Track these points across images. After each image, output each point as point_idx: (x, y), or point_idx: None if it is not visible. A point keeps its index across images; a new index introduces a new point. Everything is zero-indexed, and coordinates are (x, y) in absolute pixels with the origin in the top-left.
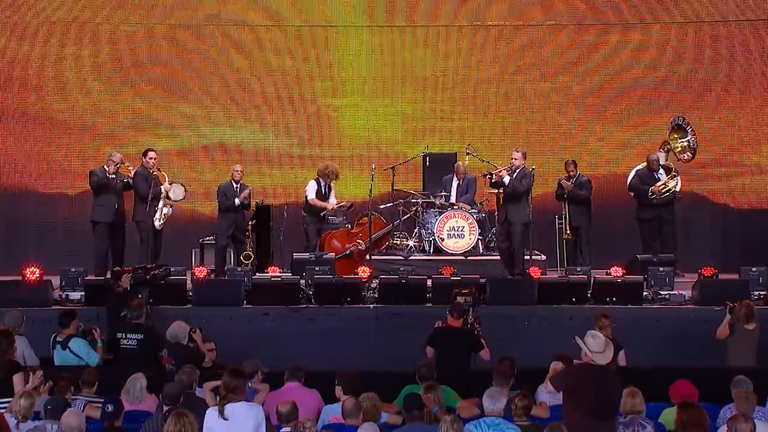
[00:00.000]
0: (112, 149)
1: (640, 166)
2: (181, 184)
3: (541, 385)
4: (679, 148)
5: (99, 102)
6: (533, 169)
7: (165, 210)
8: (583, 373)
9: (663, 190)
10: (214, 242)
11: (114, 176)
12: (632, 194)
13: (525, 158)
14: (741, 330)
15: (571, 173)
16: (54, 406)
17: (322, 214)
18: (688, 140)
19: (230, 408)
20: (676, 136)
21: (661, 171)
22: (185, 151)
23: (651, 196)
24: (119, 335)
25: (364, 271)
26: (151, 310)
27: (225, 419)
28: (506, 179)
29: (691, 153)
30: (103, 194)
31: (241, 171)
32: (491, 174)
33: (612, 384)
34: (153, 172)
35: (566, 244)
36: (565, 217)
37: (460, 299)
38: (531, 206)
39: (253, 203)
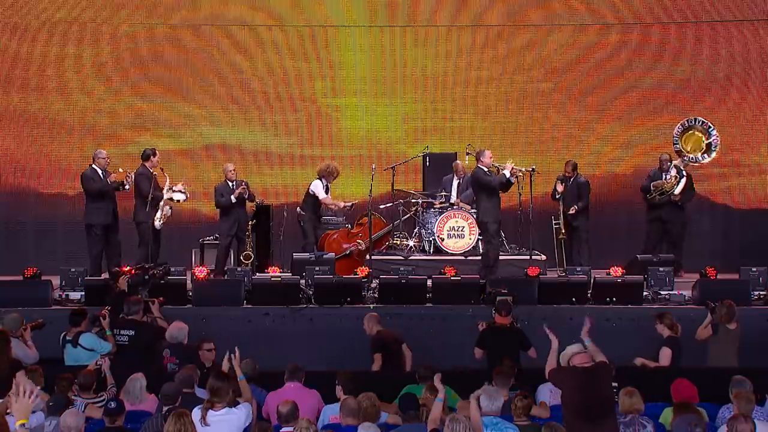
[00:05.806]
0: (112, 149)
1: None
2: (181, 191)
3: (542, 384)
4: (696, 149)
5: (100, 102)
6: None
7: (165, 210)
8: (569, 375)
9: (661, 191)
10: (217, 242)
11: (112, 181)
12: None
13: None
14: (723, 330)
15: (568, 175)
16: (56, 403)
17: (318, 214)
18: (711, 140)
19: (211, 416)
20: (697, 135)
21: (673, 171)
22: (186, 151)
23: (650, 196)
24: (114, 331)
25: (362, 271)
26: (159, 308)
27: (206, 425)
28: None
29: (706, 153)
30: (100, 197)
31: (233, 171)
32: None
33: (600, 385)
34: (154, 172)
35: (563, 243)
36: (561, 217)
37: (500, 299)
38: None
39: (254, 203)
